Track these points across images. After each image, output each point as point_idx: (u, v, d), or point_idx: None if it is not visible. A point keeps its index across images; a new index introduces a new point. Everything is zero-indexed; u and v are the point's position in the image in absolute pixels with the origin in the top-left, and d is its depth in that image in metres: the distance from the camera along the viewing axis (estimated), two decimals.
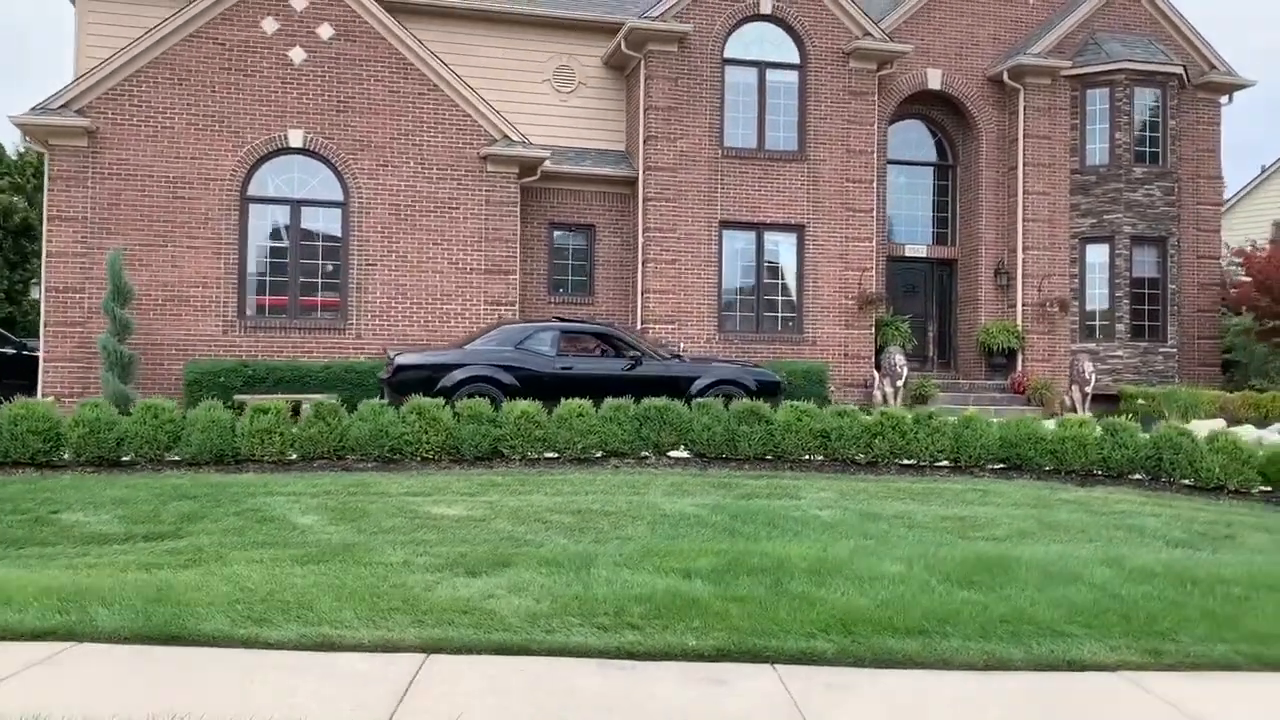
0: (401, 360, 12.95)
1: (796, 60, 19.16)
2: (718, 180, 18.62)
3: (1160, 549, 8.42)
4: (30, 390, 16.21)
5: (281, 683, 5.20)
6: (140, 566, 7.05)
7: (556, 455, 11.07)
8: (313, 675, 5.33)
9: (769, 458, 11.29)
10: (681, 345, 18.23)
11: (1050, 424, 11.62)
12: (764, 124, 19.00)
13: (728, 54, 18.89)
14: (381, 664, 5.55)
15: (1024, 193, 20.19)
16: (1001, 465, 11.46)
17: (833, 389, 17.74)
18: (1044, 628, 6.29)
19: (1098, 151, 20.18)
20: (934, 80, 20.54)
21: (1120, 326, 19.81)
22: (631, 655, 5.84)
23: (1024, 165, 20.20)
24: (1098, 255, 20.13)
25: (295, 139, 16.94)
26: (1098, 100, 20.17)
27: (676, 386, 13.23)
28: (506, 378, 12.89)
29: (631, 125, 19.40)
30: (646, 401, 11.26)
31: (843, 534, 8.42)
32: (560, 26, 19.66)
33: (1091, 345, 20.02)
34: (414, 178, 17.36)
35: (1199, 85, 21.06)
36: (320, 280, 17.16)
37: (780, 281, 19.08)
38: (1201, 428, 16.04)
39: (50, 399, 14.80)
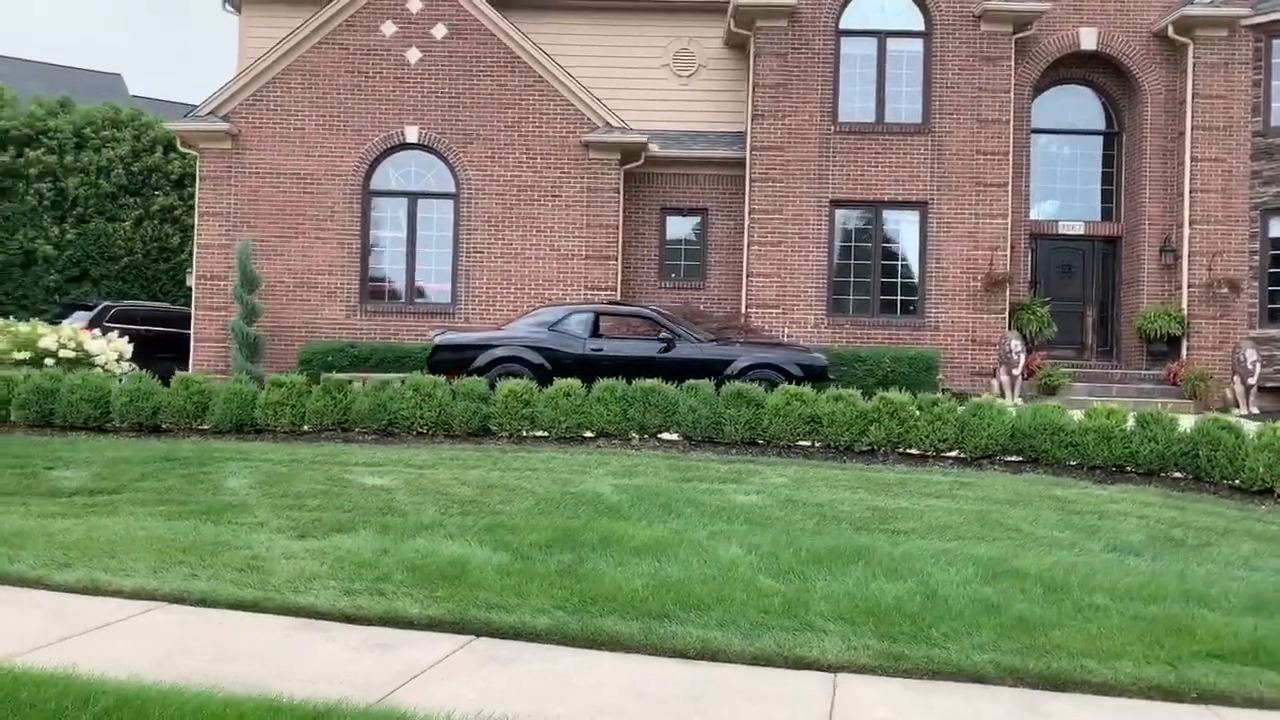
0: (440, 340, 13.50)
1: (921, 27, 18.03)
2: (829, 157, 17.88)
3: (1090, 553, 7.39)
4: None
5: None
6: (42, 515, 7.88)
7: (546, 434, 11.18)
8: (37, 614, 5.82)
9: (759, 442, 10.83)
10: (786, 331, 17.71)
11: (1077, 414, 10.34)
12: (883, 96, 18.03)
13: (844, 25, 18.07)
14: (113, 608, 5.96)
15: (1191, 160, 17.90)
16: (1017, 458, 10.36)
17: (942, 377, 16.60)
18: (801, 621, 5.80)
19: None
20: (1088, 40, 18.63)
21: None
22: (350, 619, 5.94)
23: (1192, 129, 17.91)
24: None
25: (411, 135, 17.98)
26: None
27: (711, 369, 12.91)
28: (536, 358, 13.11)
29: (747, 105, 19.02)
30: (636, 383, 11.12)
31: (731, 520, 8.00)
32: (676, 9, 19.60)
33: (1273, 331, 17.48)
34: (519, 168, 17.93)
35: None
36: (434, 268, 18.12)
37: (899, 263, 18.05)
38: None
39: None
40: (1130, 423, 10.00)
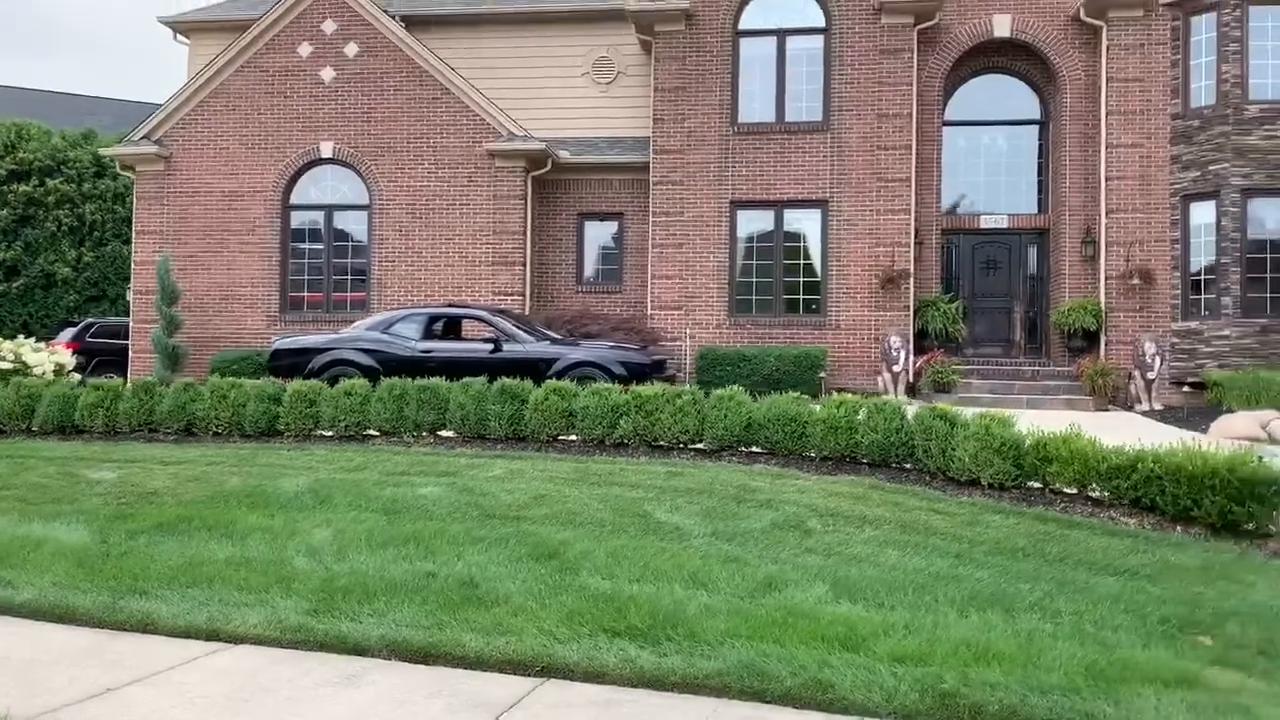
0: (278, 345, 14.01)
1: (821, 23, 17.81)
2: (729, 158, 17.82)
3: (681, 539, 7.37)
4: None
5: None
6: None
7: (332, 433, 11.54)
8: None
9: (524, 437, 10.96)
10: (689, 332, 17.69)
11: (818, 408, 10.13)
12: (783, 95, 17.88)
13: (743, 25, 18.00)
14: None
15: (1107, 146, 17.17)
16: (758, 449, 10.23)
17: (824, 376, 16.31)
18: (260, 598, 6.03)
19: (1203, 90, 16.67)
20: (1001, 27, 18.07)
21: (1227, 300, 16.19)
22: None
23: (1108, 114, 17.18)
24: (1204, 215, 16.62)
25: (326, 150, 18.67)
26: (1203, 28, 16.68)
27: (536, 369, 13.08)
28: (366, 360, 13.51)
29: (649, 110, 19.10)
30: (419, 381, 11.38)
31: (368, 509, 8.25)
32: (594, 18, 19.83)
33: (1193, 324, 16.58)
34: (428, 177, 18.43)
35: None
36: (350, 277, 18.76)
37: (801, 262, 17.82)
38: (1234, 423, 13.10)
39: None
40: (862, 414, 9.78)
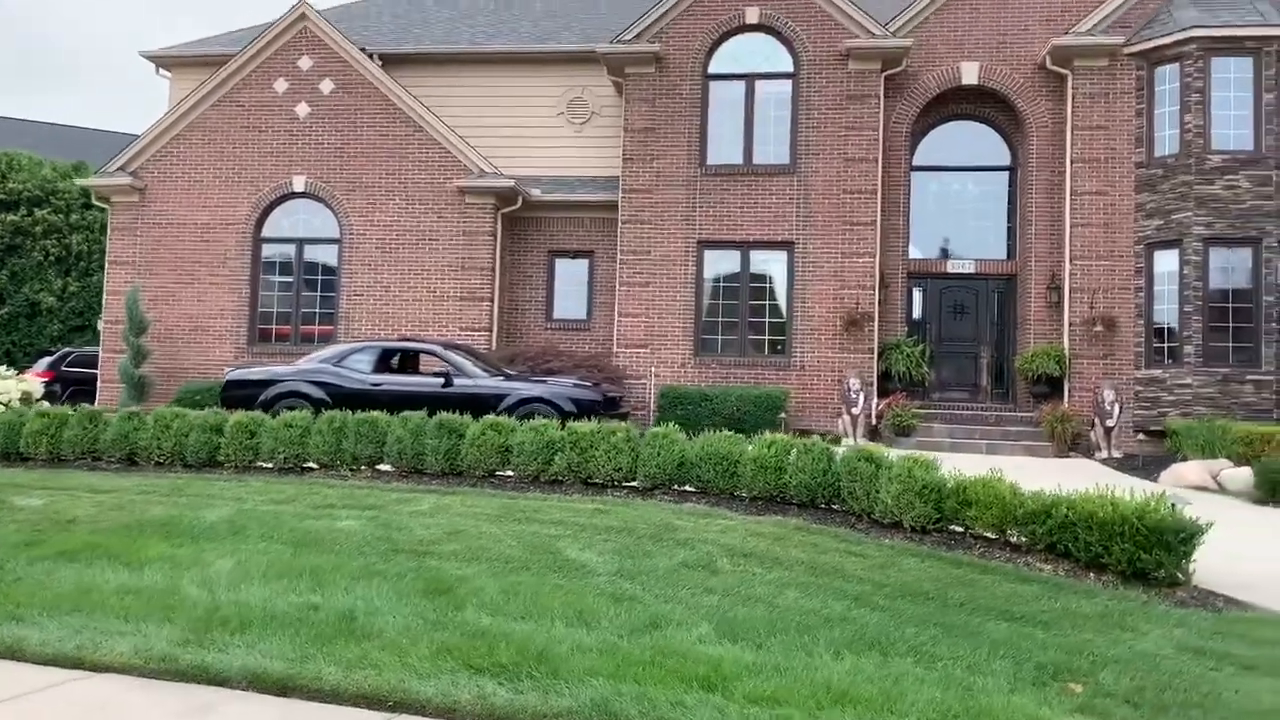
0: (230, 377, 14.05)
1: (789, 68, 17.99)
2: (697, 199, 17.92)
3: (579, 576, 7.33)
4: None
5: None
6: None
7: (272, 465, 11.52)
8: None
9: (461, 471, 10.94)
10: (653, 370, 17.70)
11: (750, 448, 10.10)
12: (751, 137, 18.01)
13: (712, 69, 18.20)
14: None
15: (1072, 193, 17.26)
16: (690, 488, 10.19)
17: (784, 416, 16.26)
18: (131, 626, 5.96)
19: (1167, 139, 16.77)
20: (969, 74, 18.24)
21: (1189, 349, 16.16)
22: None
23: (1072, 162, 17.29)
24: (1167, 263, 16.64)
25: (299, 184, 18.82)
26: (1167, 78, 16.80)
27: (485, 404, 13.09)
28: (317, 393, 13.52)
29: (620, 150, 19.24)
30: (359, 414, 11.38)
31: (276, 540, 8.22)
32: (569, 60, 20.03)
33: (1156, 372, 16.54)
34: (399, 213, 18.55)
35: None
36: (318, 310, 18.83)
37: (767, 303, 17.85)
38: (1185, 471, 13.04)
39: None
40: (793, 454, 9.75)
